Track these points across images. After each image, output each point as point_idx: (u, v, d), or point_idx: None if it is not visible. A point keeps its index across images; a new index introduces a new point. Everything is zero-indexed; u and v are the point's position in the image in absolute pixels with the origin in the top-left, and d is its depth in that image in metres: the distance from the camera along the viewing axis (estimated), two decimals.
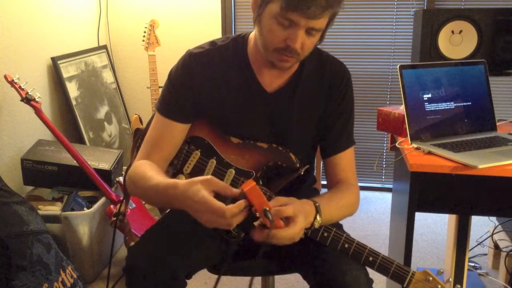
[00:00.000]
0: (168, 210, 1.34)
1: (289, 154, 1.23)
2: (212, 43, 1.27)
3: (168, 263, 1.12)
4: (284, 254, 1.27)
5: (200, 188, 0.99)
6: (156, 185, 1.10)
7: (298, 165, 1.23)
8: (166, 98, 1.25)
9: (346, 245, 1.13)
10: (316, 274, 1.17)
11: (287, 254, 1.26)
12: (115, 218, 1.73)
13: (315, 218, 1.11)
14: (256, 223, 1.05)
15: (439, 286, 1.06)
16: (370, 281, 1.17)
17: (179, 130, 1.25)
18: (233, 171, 1.22)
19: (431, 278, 1.07)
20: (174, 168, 1.28)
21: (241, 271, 1.35)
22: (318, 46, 1.26)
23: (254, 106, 1.25)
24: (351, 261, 1.15)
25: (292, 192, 1.18)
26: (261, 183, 1.24)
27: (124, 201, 2.24)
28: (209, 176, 1.02)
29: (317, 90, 1.27)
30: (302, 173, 1.24)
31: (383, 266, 1.11)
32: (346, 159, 1.32)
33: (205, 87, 1.23)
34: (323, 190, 3.51)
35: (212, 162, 1.24)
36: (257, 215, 1.01)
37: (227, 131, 1.27)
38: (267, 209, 0.99)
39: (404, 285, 1.09)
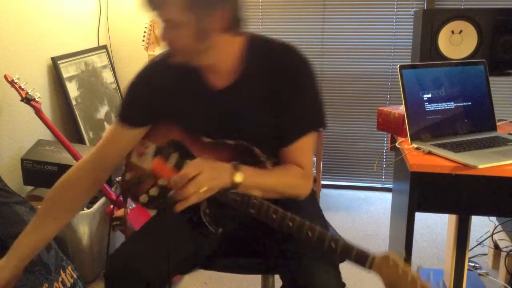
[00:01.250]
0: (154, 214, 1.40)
1: (253, 149, 1.24)
2: (156, 60, 1.31)
3: (143, 271, 1.17)
4: (264, 252, 1.29)
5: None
6: (21, 235, 1.27)
7: (262, 158, 1.24)
8: (123, 104, 1.32)
9: (309, 233, 1.11)
10: (286, 277, 1.19)
11: (267, 253, 1.29)
12: (114, 223, 1.75)
13: (234, 173, 1.13)
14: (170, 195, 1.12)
15: (400, 271, 1.04)
16: (341, 284, 1.17)
17: (127, 134, 1.31)
18: None
19: (392, 263, 1.05)
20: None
21: (236, 268, 1.38)
22: (269, 37, 1.25)
23: (205, 106, 1.26)
24: (321, 263, 1.15)
25: None
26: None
27: (123, 204, 2.24)
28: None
29: (265, 81, 1.22)
30: (268, 167, 1.25)
31: (344, 251, 1.09)
32: (299, 148, 1.26)
33: (161, 94, 1.26)
34: (323, 191, 3.49)
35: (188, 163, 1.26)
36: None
37: (191, 132, 1.29)
38: (173, 178, 1.09)
39: (367, 268, 1.08)
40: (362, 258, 1.08)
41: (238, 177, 1.14)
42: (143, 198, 1.30)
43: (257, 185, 1.18)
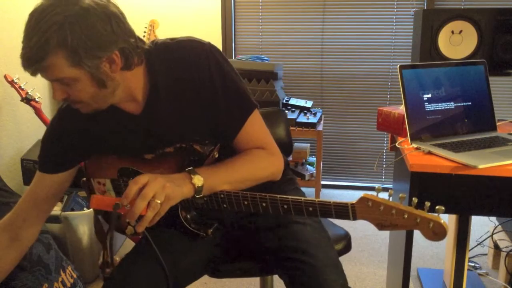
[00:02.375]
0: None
1: (192, 147, 1.21)
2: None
3: None
4: (264, 255, 1.28)
5: None
6: None
7: (207, 153, 1.21)
8: (40, 157, 1.28)
9: (285, 206, 1.10)
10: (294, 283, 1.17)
11: (268, 256, 1.27)
12: (107, 270, 1.72)
13: (191, 178, 1.08)
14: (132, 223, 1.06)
15: (382, 207, 1.01)
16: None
17: (52, 181, 1.25)
18: None
19: (370, 203, 1.02)
20: None
21: (235, 273, 1.36)
22: (167, 40, 1.19)
23: (130, 130, 1.20)
24: (329, 271, 1.14)
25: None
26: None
27: (108, 249, 2.19)
28: None
29: (180, 87, 1.16)
30: (217, 155, 1.23)
31: (323, 210, 1.07)
32: (250, 132, 1.21)
33: (79, 138, 1.22)
34: (323, 191, 3.48)
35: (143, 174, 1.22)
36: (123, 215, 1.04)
37: (130, 156, 1.24)
38: (117, 203, 1.04)
39: (351, 219, 1.06)
40: (342, 212, 1.06)
41: (198, 181, 1.08)
42: (129, 230, 1.24)
43: (223, 180, 1.14)
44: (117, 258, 2.30)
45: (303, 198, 1.08)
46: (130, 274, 1.17)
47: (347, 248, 1.43)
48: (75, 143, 1.22)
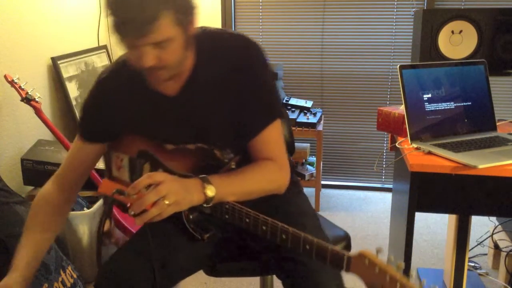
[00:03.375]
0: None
1: (213, 151, 1.22)
2: (116, 61, 1.26)
3: (132, 284, 1.16)
4: (264, 256, 1.28)
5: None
6: (18, 247, 1.26)
7: (226, 160, 1.22)
8: (81, 123, 1.30)
9: (284, 236, 1.08)
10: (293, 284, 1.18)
11: (267, 257, 1.27)
12: (106, 240, 1.73)
13: (204, 187, 1.09)
14: (130, 212, 1.05)
15: (377, 269, 0.96)
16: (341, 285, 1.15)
17: (91, 150, 1.29)
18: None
19: (367, 262, 0.98)
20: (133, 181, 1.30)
21: (234, 272, 1.37)
22: (217, 30, 1.22)
23: (162, 113, 1.23)
24: (325, 272, 1.14)
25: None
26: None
27: (107, 218, 2.22)
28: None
29: (219, 80, 1.18)
30: (233, 166, 1.22)
31: (319, 252, 1.04)
32: (266, 140, 1.22)
33: (116, 110, 1.23)
34: (323, 191, 3.48)
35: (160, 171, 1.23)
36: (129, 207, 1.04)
37: (154, 140, 1.27)
38: (119, 189, 1.03)
39: (344, 270, 1.03)
40: (337, 261, 1.03)
41: (210, 191, 1.09)
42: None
43: (231, 192, 1.14)
44: None
45: (303, 234, 1.06)
46: (121, 266, 1.18)
47: (346, 249, 1.42)
48: (113, 116, 1.24)
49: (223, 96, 1.20)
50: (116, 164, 1.32)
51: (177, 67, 1.11)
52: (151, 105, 1.22)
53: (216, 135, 1.23)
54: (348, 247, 1.43)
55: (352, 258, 1.01)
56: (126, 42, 1.04)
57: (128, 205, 1.05)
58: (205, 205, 1.10)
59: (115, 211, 2.15)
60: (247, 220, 1.11)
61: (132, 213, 1.03)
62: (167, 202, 1.02)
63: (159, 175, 1.06)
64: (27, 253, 1.24)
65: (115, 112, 1.24)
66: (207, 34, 1.20)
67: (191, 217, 1.22)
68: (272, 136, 1.23)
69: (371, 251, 0.99)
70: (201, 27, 1.20)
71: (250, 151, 1.23)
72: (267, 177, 1.22)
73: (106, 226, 2.16)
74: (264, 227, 1.09)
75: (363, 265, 0.99)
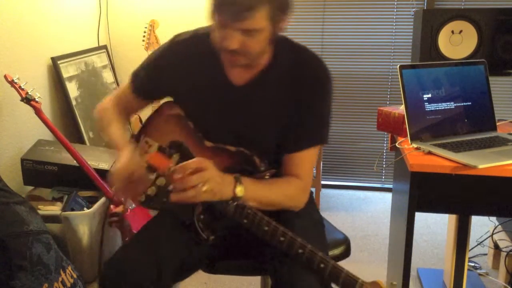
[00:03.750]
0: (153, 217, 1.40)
1: (253, 157, 1.23)
2: (196, 31, 1.30)
3: (137, 278, 1.16)
4: (255, 254, 1.30)
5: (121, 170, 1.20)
6: (110, 134, 1.34)
7: (262, 168, 1.24)
8: (139, 70, 1.37)
9: (300, 251, 1.11)
10: (276, 278, 1.19)
11: (259, 254, 1.29)
12: (114, 218, 1.75)
13: (235, 186, 1.14)
14: (170, 187, 1.12)
15: None
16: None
17: (136, 101, 1.39)
18: None
19: None
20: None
21: (235, 270, 1.38)
22: (300, 44, 1.27)
23: (219, 97, 1.27)
24: (308, 275, 1.14)
25: None
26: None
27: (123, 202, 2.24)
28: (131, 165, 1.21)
29: (287, 89, 1.23)
30: (267, 177, 1.24)
31: (333, 273, 1.08)
32: (302, 158, 1.27)
33: (177, 75, 1.28)
34: (323, 191, 3.48)
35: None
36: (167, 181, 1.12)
37: (193, 119, 1.31)
38: (171, 166, 1.09)
39: None
40: (349, 285, 1.05)
41: (240, 191, 1.14)
42: (142, 197, 1.30)
43: (257, 199, 1.18)
44: None
45: (320, 253, 1.09)
46: (127, 260, 1.19)
47: (346, 252, 1.44)
48: (171, 80, 1.29)
49: (282, 104, 1.24)
50: (142, 148, 1.35)
51: (254, 58, 1.17)
52: (213, 86, 1.26)
53: (260, 139, 1.27)
54: (347, 250, 1.44)
55: (366, 286, 1.04)
56: (219, 20, 1.09)
57: (170, 186, 1.11)
58: (230, 203, 1.14)
59: (112, 208, 2.15)
60: (266, 228, 1.14)
61: (171, 188, 1.10)
62: (204, 188, 1.07)
63: (206, 162, 1.10)
64: (122, 135, 1.33)
65: (176, 76, 1.28)
66: (290, 42, 1.27)
67: (201, 217, 1.23)
68: (308, 157, 1.27)
69: (384, 283, 1.02)
70: (286, 37, 1.26)
71: (282, 163, 1.27)
72: (290, 194, 1.26)
73: (120, 208, 2.16)
74: (282, 238, 1.12)
75: None
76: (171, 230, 1.27)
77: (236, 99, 1.25)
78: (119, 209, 2.17)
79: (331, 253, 1.37)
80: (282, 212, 1.25)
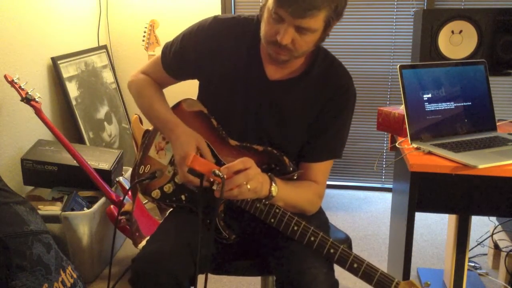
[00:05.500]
0: (168, 212, 1.39)
1: (283, 157, 1.24)
2: (236, 16, 1.32)
3: (171, 269, 1.15)
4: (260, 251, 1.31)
5: (193, 144, 1.23)
6: (158, 111, 1.33)
7: (291, 168, 1.24)
8: (171, 46, 1.35)
9: (332, 250, 1.14)
10: (280, 271, 1.20)
11: (263, 252, 1.30)
12: (122, 217, 1.75)
13: (271, 185, 1.16)
14: (214, 187, 1.14)
15: None
16: (332, 281, 1.18)
17: (166, 77, 1.39)
18: None
19: None
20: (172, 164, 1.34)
21: (235, 271, 1.37)
22: (333, 55, 1.31)
23: (250, 87, 1.28)
24: (313, 259, 1.16)
25: None
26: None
27: (131, 200, 2.24)
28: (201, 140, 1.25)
29: (316, 96, 1.27)
30: (295, 177, 1.26)
31: (367, 273, 1.11)
32: (321, 168, 1.33)
33: (211, 55, 1.28)
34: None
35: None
36: (212, 183, 1.13)
37: (218, 107, 1.32)
38: (215, 170, 1.08)
39: None
40: (384, 284, 1.09)
41: (274, 190, 1.16)
42: (156, 193, 1.30)
43: (285, 199, 1.20)
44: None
45: (353, 253, 1.13)
46: (160, 254, 1.17)
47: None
48: (203, 56, 1.29)
49: (311, 109, 1.27)
50: (158, 145, 1.36)
51: (296, 57, 1.20)
52: (246, 73, 1.27)
53: (288, 140, 1.29)
54: (349, 249, 1.43)
55: (400, 284, 1.07)
56: (279, 14, 1.10)
57: (214, 186, 1.13)
58: (263, 201, 1.17)
59: (114, 210, 2.15)
60: (295, 228, 1.16)
61: (214, 187, 1.13)
62: (249, 187, 1.09)
63: (250, 162, 1.12)
64: (171, 113, 1.33)
65: (210, 55, 1.28)
66: (326, 51, 1.31)
67: (222, 215, 1.25)
68: (326, 168, 1.34)
69: (419, 283, 1.04)
70: (323, 46, 1.30)
71: (304, 171, 1.31)
72: (310, 199, 1.30)
73: (128, 206, 2.17)
74: (312, 238, 1.15)
75: None
76: (193, 225, 1.26)
77: (268, 92, 1.27)
78: (128, 207, 2.17)
79: None
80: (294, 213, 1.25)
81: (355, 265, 1.12)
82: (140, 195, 2.13)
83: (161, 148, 1.35)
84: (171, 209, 1.38)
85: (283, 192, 1.19)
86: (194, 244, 1.19)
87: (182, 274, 1.15)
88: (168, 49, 1.36)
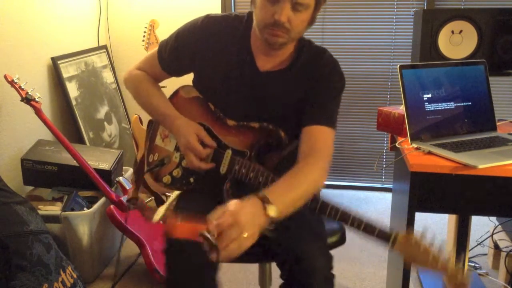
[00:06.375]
0: (177, 196, 1.46)
1: (279, 131, 1.30)
2: (226, 14, 1.40)
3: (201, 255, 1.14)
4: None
5: (191, 139, 1.30)
6: (157, 105, 1.41)
7: (287, 141, 1.31)
8: (166, 44, 1.42)
9: (333, 213, 1.19)
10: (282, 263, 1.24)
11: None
12: (132, 202, 1.78)
13: (265, 209, 1.05)
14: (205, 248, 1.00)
15: (422, 249, 1.07)
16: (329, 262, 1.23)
17: (163, 73, 1.46)
18: (230, 152, 1.32)
19: (414, 241, 1.08)
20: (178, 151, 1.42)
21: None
22: (321, 45, 1.38)
23: (243, 78, 1.34)
24: (310, 243, 1.21)
25: (285, 169, 1.23)
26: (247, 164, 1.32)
27: (135, 186, 2.23)
28: (201, 129, 1.32)
29: (304, 82, 1.33)
30: (288, 150, 1.31)
31: (368, 229, 1.16)
32: (322, 134, 1.30)
33: (204, 50, 1.35)
34: (323, 191, 3.48)
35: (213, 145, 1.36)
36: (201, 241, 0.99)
37: (214, 98, 1.38)
38: (203, 232, 0.97)
39: (389, 247, 1.13)
40: (384, 236, 1.13)
41: (272, 211, 1.05)
42: (167, 179, 1.38)
43: (290, 204, 1.13)
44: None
45: (353, 213, 1.17)
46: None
47: (341, 240, 1.48)
48: (197, 52, 1.36)
49: (300, 94, 1.32)
50: (163, 133, 1.44)
51: (293, 38, 1.28)
52: (239, 66, 1.33)
53: (278, 117, 1.33)
54: (342, 239, 1.48)
55: (399, 237, 1.11)
56: None
57: (207, 247, 0.98)
58: (270, 227, 1.06)
59: (114, 210, 2.15)
60: (333, 213, 1.20)
61: (215, 256, 0.97)
62: (245, 235, 0.99)
63: (236, 208, 1.01)
64: (170, 105, 1.41)
65: (203, 51, 1.35)
66: (312, 42, 1.40)
67: (230, 191, 1.30)
68: (325, 135, 1.31)
69: (417, 232, 1.11)
70: (309, 39, 1.40)
71: (306, 137, 1.29)
72: (314, 179, 1.23)
73: (133, 193, 2.18)
74: (312, 204, 1.20)
75: (409, 244, 1.09)
76: (208, 207, 1.23)
77: (259, 82, 1.34)
78: (134, 194, 2.18)
79: (328, 240, 1.43)
80: None
81: (356, 224, 1.17)
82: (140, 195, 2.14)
83: (166, 136, 1.43)
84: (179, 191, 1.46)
85: (284, 200, 1.10)
86: None
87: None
88: (163, 47, 1.43)
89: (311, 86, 1.33)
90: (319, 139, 1.30)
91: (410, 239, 1.08)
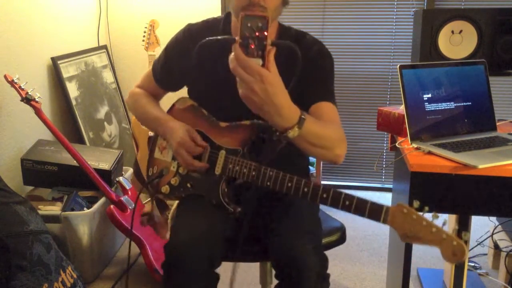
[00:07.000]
0: (176, 204, 1.50)
1: (270, 125, 1.27)
2: (205, 20, 1.46)
3: (203, 247, 1.24)
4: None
5: (183, 135, 1.34)
6: (151, 113, 1.47)
7: (277, 133, 1.27)
8: (158, 61, 1.50)
9: (325, 195, 1.17)
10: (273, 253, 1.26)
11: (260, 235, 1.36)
12: (145, 217, 1.82)
13: (293, 127, 1.12)
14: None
15: (414, 216, 1.06)
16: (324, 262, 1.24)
17: (159, 89, 1.54)
18: (224, 152, 1.34)
19: (405, 210, 1.07)
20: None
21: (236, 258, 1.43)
22: (301, 29, 1.42)
23: (228, 75, 1.29)
24: (303, 243, 1.22)
25: (282, 164, 1.26)
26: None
27: (131, 200, 2.24)
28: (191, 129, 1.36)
29: (292, 63, 1.28)
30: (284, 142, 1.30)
31: (359, 206, 1.14)
32: (328, 110, 1.33)
33: (192, 59, 1.40)
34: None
35: (207, 148, 1.38)
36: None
37: (207, 102, 1.42)
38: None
39: (381, 221, 1.11)
40: (376, 212, 1.12)
41: (292, 134, 1.13)
42: (165, 189, 1.42)
43: (312, 135, 1.18)
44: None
45: (343, 192, 1.16)
46: (189, 233, 1.25)
47: (341, 240, 1.49)
48: (185, 63, 1.42)
49: (290, 79, 1.25)
50: (161, 145, 1.48)
51: (271, 17, 1.22)
52: (225, 65, 1.29)
53: None
54: (342, 238, 1.49)
55: (391, 209, 1.10)
56: None
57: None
58: (277, 134, 1.15)
59: (114, 210, 2.15)
60: (289, 184, 1.20)
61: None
62: (256, 87, 1.04)
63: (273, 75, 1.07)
64: (163, 112, 1.48)
65: (190, 60, 1.40)
66: (293, 28, 1.43)
67: (226, 191, 1.32)
68: (332, 111, 1.34)
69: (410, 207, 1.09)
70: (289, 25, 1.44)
71: (315, 116, 1.29)
72: (338, 136, 1.29)
73: (148, 207, 2.19)
74: (306, 189, 1.19)
75: (402, 214, 1.08)
76: (206, 210, 1.34)
77: None
78: (147, 208, 2.18)
79: (328, 239, 1.46)
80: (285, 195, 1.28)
81: (347, 202, 1.14)
82: (139, 198, 2.14)
83: (164, 148, 1.46)
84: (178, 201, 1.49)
85: (308, 130, 1.15)
86: (220, 226, 1.30)
87: (214, 254, 1.25)
88: (156, 64, 1.51)
89: (302, 69, 1.28)
90: (326, 113, 1.32)
91: (401, 209, 1.08)
